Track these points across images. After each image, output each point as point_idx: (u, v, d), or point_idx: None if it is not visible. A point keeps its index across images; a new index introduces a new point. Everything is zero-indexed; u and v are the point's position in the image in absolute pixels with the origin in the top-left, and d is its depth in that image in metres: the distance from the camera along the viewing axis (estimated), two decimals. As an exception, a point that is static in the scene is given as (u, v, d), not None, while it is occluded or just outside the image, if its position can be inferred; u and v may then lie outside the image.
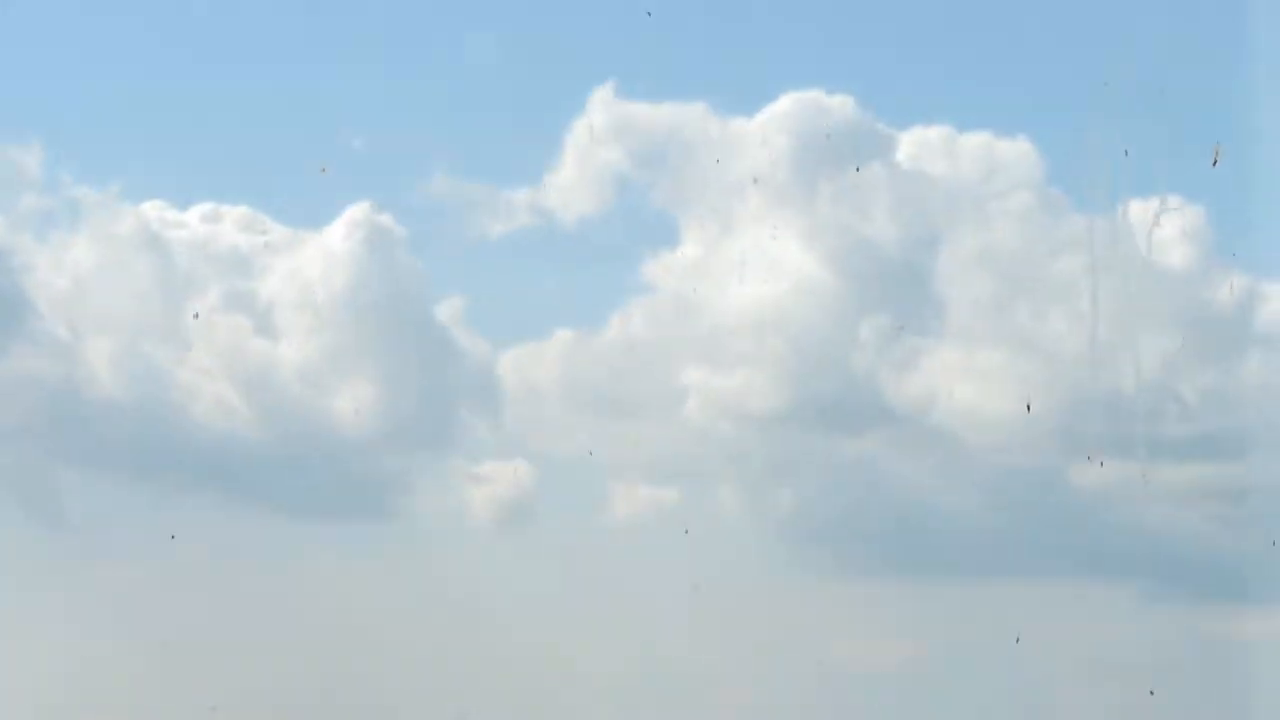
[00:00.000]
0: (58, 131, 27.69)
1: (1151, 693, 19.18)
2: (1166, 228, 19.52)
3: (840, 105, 25.68)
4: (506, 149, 25.10)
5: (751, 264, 24.00)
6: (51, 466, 27.90)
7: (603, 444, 27.42)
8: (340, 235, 26.25)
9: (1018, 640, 19.99)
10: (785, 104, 25.33)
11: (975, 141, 26.65)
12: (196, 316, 25.14)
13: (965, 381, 25.40)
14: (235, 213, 27.42)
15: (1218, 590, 23.42)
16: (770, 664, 24.05)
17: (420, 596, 25.14)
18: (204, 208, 27.36)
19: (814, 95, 25.35)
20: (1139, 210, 19.75)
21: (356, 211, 26.47)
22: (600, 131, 24.96)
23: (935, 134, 26.32)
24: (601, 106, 25.18)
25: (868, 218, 25.19)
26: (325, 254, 26.47)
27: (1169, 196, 19.65)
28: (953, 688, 23.16)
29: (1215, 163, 17.97)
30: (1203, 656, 22.74)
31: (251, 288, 27.70)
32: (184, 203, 27.14)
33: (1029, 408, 22.27)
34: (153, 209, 27.46)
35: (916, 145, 25.96)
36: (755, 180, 23.51)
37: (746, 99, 23.43)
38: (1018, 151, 26.78)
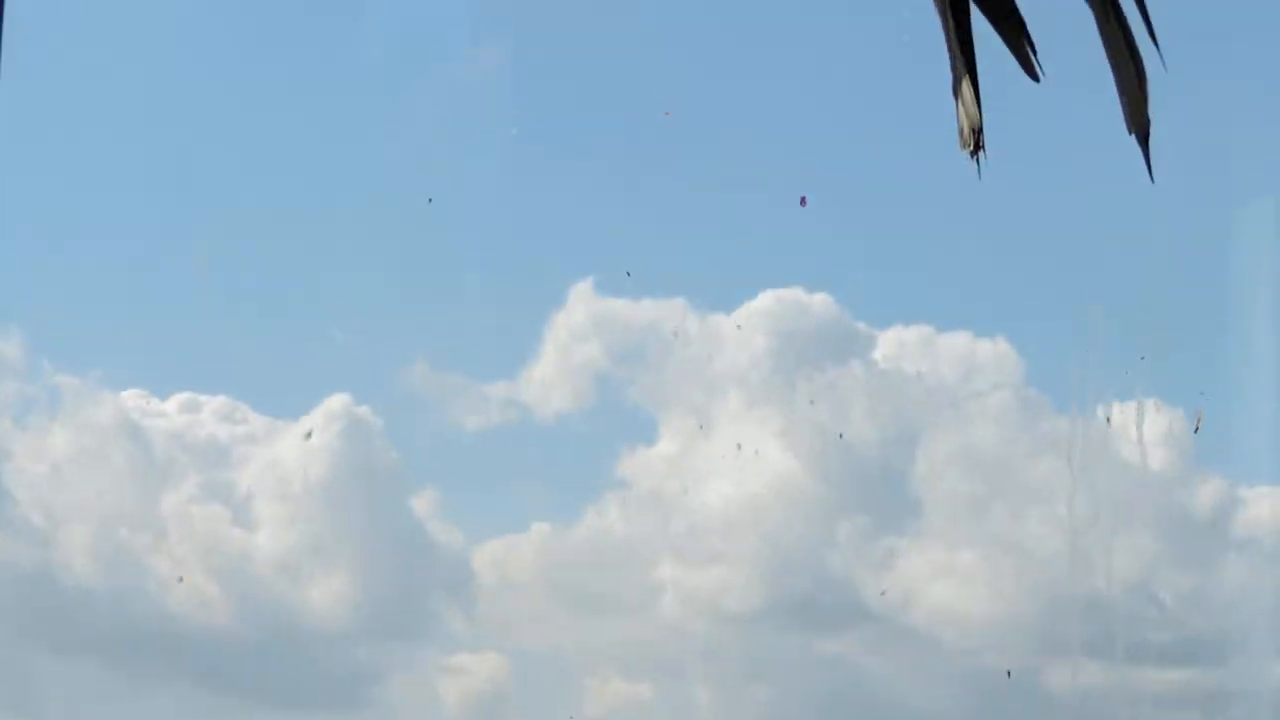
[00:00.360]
0: (39, 320, 27.73)
1: None
2: (1146, 431, 19.57)
3: (820, 303, 25.85)
4: (485, 343, 25.10)
5: (728, 461, 24.01)
6: (25, 654, 27.74)
7: (577, 638, 27.29)
8: (318, 426, 26.30)
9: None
10: (764, 301, 25.49)
11: (955, 341, 26.82)
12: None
13: (942, 582, 25.33)
14: (214, 402, 27.48)
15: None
16: None
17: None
18: (183, 397, 27.42)
19: (793, 293, 25.52)
20: (1119, 413, 19.82)
21: (334, 403, 26.54)
22: (579, 327, 25.02)
23: (914, 333, 26.50)
24: (581, 302, 25.31)
25: (846, 416, 25.25)
26: (303, 444, 26.50)
27: (1149, 400, 19.73)
28: None
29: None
30: None
31: (229, 477, 27.72)
32: (163, 392, 27.18)
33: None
34: (132, 398, 27.52)
35: (895, 344, 26.13)
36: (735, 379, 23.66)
37: (725, 296, 23.41)
38: (997, 352, 26.93)
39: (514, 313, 22.73)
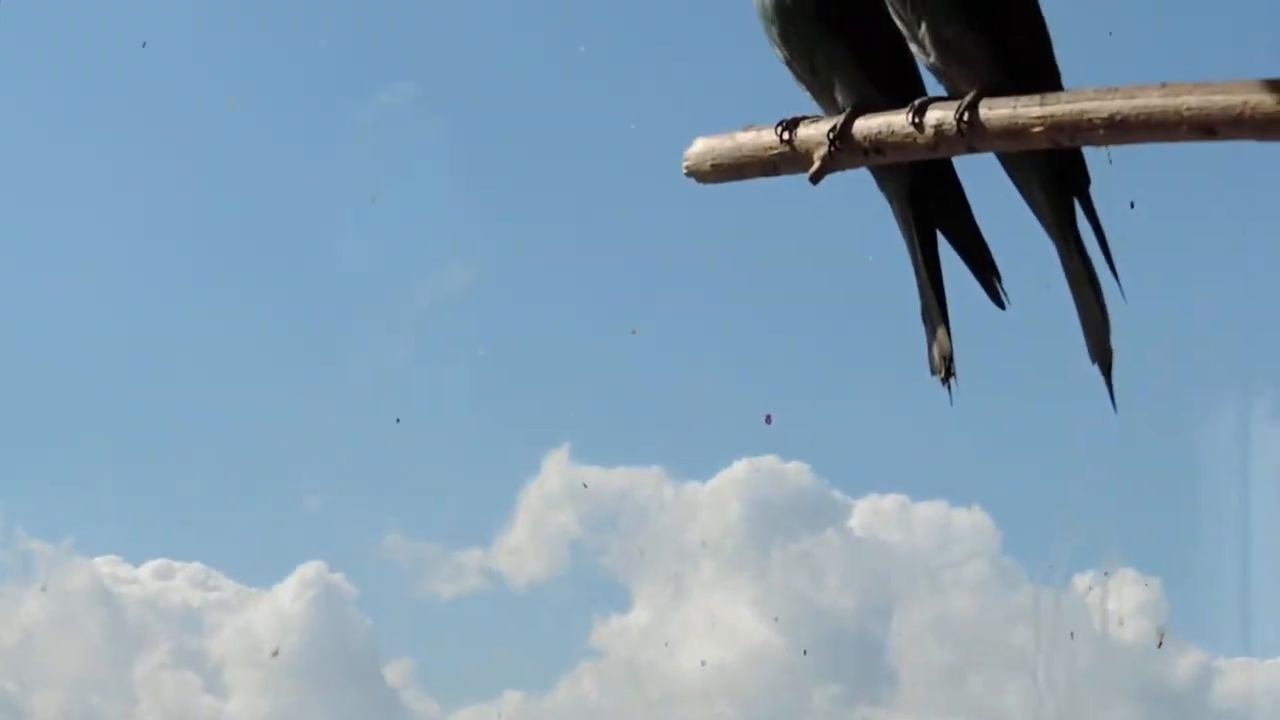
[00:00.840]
0: (13, 485, 27.71)
1: None
2: (1122, 601, 19.56)
3: (795, 471, 25.84)
4: (459, 511, 25.10)
5: (703, 630, 23.95)
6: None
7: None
8: (292, 594, 26.16)
9: None
10: (740, 469, 25.46)
11: (930, 510, 26.80)
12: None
13: (919, 752, 25.15)
14: (188, 569, 27.36)
15: None
16: None
17: None
18: (157, 564, 27.30)
19: (768, 461, 25.52)
20: (1095, 583, 19.80)
21: (308, 570, 26.42)
22: (554, 495, 25.02)
23: (890, 502, 26.48)
24: (556, 470, 25.30)
25: (821, 585, 25.21)
26: (276, 612, 26.38)
27: (1124, 570, 19.74)
28: None
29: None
30: None
31: (202, 645, 27.55)
32: (137, 558, 27.07)
33: None
34: (105, 564, 27.37)
35: (871, 512, 26.09)
36: (704, 543, 23.58)
37: (701, 464, 23.44)
38: (973, 521, 26.91)
39: (488, 480, 22.73)
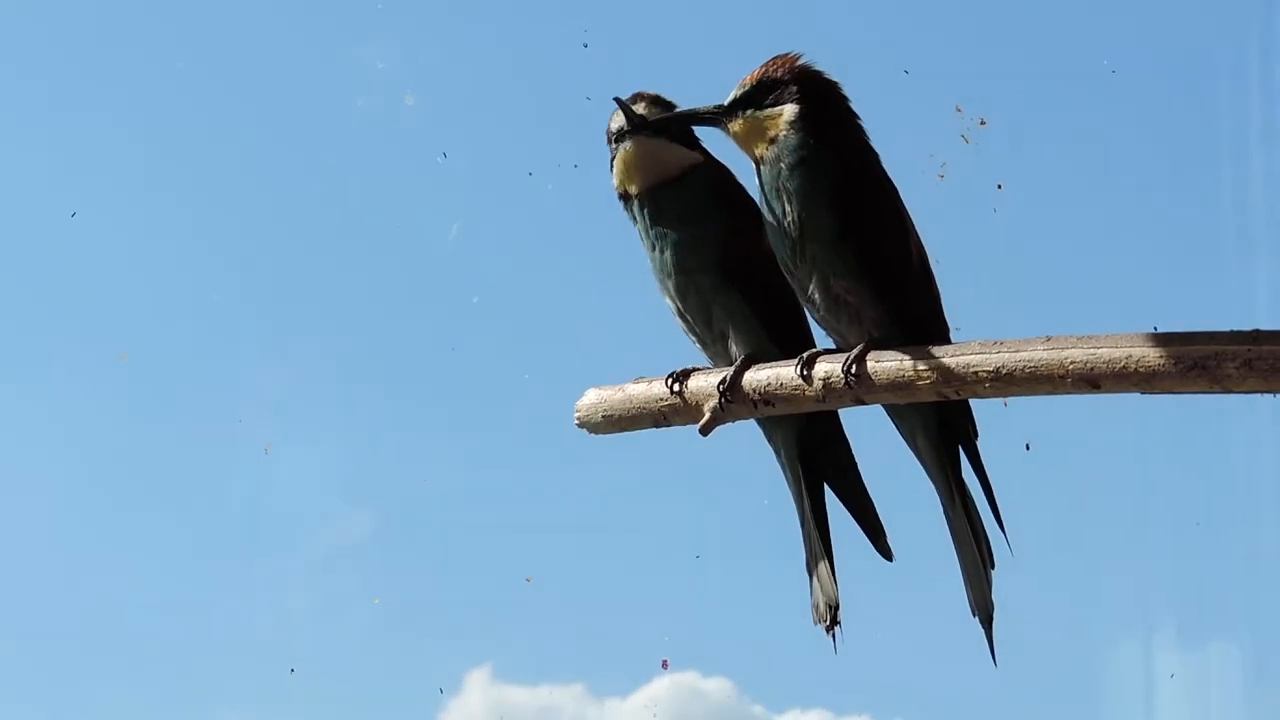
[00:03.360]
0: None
1: None
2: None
3: (716, 688, 25.63)
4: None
5: None
6: None
7: None
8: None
9: None
10: (661, 685, 25.24)
11: (853, 726, 26.55)
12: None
13: None
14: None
15: None
16: None
17: None
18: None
19: (689, 678, 25.33)
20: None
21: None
22: (475, 713, 24.71)
23: (813, 718, 26.26)
24: (479, 689, 25.02)
25: (743, 802, 24.89)
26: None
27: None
28: None
29: None
30: None
31: None
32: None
33: None
34: None
35: (793, 729, 25.82)
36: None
37: (622, 680, 23.21)
38: (895, 735, 26.67)
39: (408, 699, 22.40)
